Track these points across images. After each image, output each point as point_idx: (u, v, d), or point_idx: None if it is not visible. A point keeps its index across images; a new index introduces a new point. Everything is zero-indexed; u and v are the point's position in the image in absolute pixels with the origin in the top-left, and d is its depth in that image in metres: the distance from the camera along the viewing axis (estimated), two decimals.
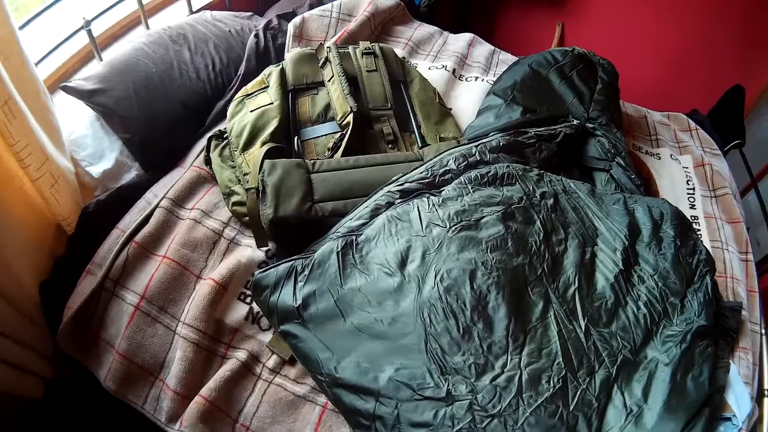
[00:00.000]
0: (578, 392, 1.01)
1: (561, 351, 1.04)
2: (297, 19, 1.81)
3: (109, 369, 1.17)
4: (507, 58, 2.02)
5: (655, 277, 1.22)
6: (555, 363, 1.03)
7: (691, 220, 1.60)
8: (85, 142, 1.44)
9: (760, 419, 1.22)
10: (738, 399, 1.14)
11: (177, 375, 1.12)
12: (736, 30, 2.46)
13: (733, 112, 2.21)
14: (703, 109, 2.22)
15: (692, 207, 1.68)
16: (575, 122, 1.53)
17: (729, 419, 1.11)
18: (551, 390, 1.00)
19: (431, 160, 1.31)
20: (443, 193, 1.22)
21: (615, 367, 1.06)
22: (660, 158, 1.81)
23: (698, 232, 1.59)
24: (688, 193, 1.72)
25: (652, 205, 1.36)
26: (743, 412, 1.12)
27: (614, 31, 2.70)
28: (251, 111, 1.43)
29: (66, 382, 1.33)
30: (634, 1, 2.64)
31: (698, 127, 2.02)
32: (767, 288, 1.68)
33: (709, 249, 1.52)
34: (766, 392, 1.29)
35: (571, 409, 0.99)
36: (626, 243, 1.25)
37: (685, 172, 1.79)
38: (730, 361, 1.20)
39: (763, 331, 1.42)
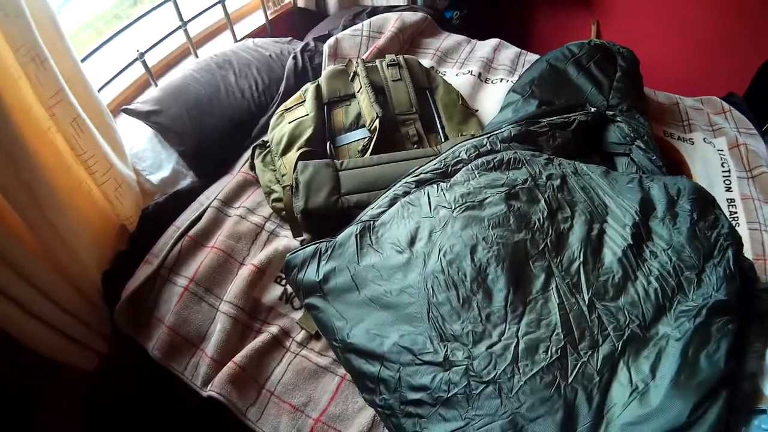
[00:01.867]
0: (578, 365, 1.02)
1: (561, 322, 1.06)
2: (331, 40, 1.98)
3: (157, 340, 1.33)
4: (533, 58, 2.07)
5: (669, 251, 1.19)
6: (554, 333, 1.05)
7: (728, 204, 1.60)
8: (145, 155, 1.65)
9: None
10: None
11: (215, 344, 1.26)
12: None
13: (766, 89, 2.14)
14: (742, 91, 2.17)
15: (728, 190, 1.67)
16: (592, 110, 1.57)
17: (765, 411, 1.02)
18: (548, 360, 1.01)
19: (445, 152, 1.41)
20: (452, 179, 1.32)
21: (621, 341, 1.05)
22: (693, 143, 1.81)
23: (735, 215, 1.58)
24: (724, 176, 1.71)
25: (669, 183, 1.35)
26: None
27: (650, 22, 2.69)
28: (289, 122, 1.59)
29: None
30: None
31: (732, 108, 1.98)
32: None
33: (747, 230, 1.51)
34: None
35: (569, 381, 1.00)
36: (636, 218, 1.24)
37: (719, 155, 1.77)
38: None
39: None
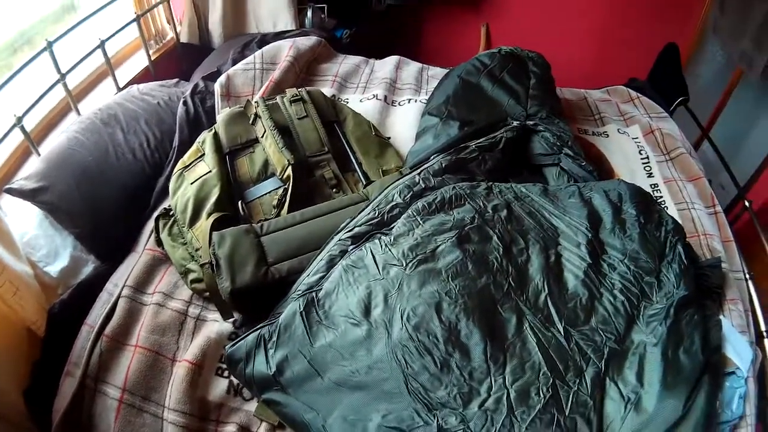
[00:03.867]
0: (570, 395, 1.01)
1: (544, 360, 1.04)
2: (222, 78, 1.81)
3: None
4: (437, 73, 2.02)
5: (626, 261, 1.20)
6: (541, 373, 1.02)
7: (651, 189, 1.62)
8: (38, 243, 1.44)
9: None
10: (737, 350, 1.14)
11: None
12: None
13: (671, 70, 2.23)
14: (642, 75, 2.24)
15: (650, 176, 1.69)
16: (515, 123, 1.52)
17: (733, 373, 1.11)
18: (542, 401, 0.99)
19: (376, 198, 1.29)
20: (394, 230, 1.20)
21: (603, 361, 1.05)
22: (608, 136, 1.82)
23: (661, 199, 1.60)
24: (643, 163, 1.73)
25: (608, 189, 1.35)
26: (746, 362, 1.12)
27: (539, 20, 2.74)
28: (191, 183, 1.42)
29: None
30: None
31: (639, 95, 2.03)
32: (740, 230, 1.70)
33: (675, 211, 1.54)
34: (764, 333, 1.30)
35: (567, 413, 0.99)
36: (589, 235, 1.23)
37: (635, 143, 1.80)
38: (721, 317, 1.20)
39: (747, 275, 1.42)
